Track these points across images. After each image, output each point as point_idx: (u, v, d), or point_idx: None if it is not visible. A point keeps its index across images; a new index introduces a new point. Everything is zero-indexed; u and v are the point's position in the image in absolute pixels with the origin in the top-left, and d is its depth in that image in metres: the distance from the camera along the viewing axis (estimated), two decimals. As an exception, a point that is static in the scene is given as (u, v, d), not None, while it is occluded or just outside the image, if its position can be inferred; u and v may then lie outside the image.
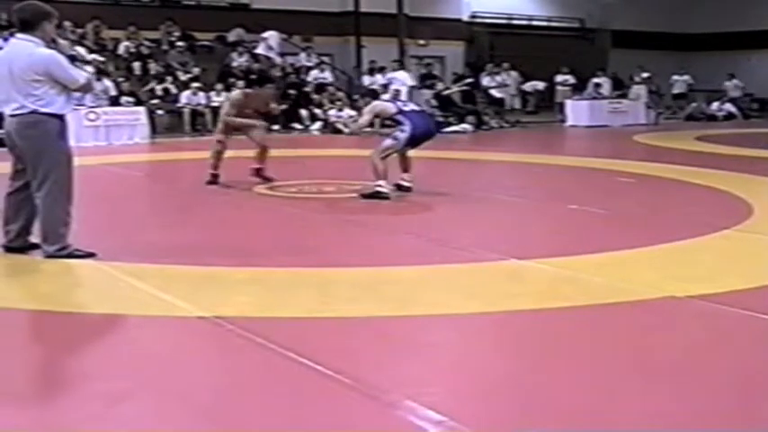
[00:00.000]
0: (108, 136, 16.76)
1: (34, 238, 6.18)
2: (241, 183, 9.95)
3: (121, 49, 20.68)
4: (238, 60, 21.39)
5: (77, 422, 3.46)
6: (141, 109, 17.69)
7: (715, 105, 26.31)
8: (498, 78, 23.34)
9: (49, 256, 5.95)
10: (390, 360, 4.24)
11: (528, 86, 25.70)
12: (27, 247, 6.19)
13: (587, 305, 5.07)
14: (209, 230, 7.95)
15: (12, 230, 6.18)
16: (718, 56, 30.06)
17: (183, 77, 19.94)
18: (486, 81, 23.21)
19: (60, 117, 5.94)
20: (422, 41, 25.55)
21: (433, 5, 26.32)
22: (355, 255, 6.73)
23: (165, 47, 21.41)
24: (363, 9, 24.85)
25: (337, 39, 25.08)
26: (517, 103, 24.76)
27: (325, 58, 23.00)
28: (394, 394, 3.65)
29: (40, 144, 5.88)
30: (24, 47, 5.86)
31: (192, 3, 23.99)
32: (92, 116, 16.64)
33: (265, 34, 22.32)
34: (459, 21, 27.94)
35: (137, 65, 20.16)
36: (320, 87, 21.40)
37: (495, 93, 22.95)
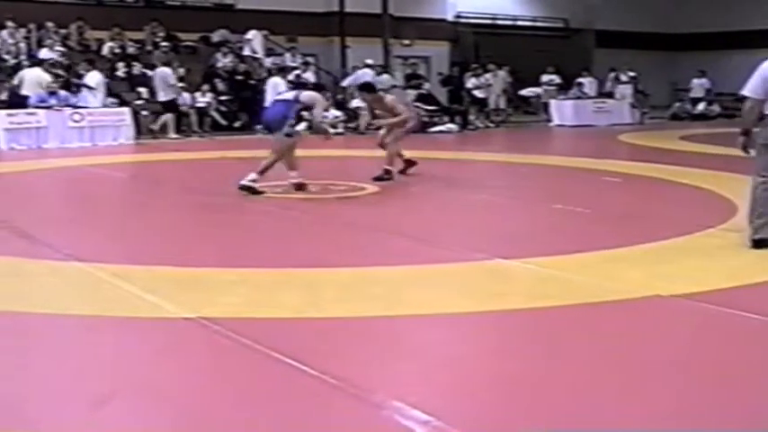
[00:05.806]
0: (93, 137, 16.68)
1: None
2: (226, 184, 9.91)
3: (105, 50, 20.59)
4: (223, 61, 21.33)
5: (62, 424, 3.44)
6: (126, 110, 17.62)
7: (701, 105, 26.33)
8: (482, 79, 23.36)
9: None
10: (377, 360, 4.23)
11: (526, 92, 25.75)
12: None
13: (572, 304, 5.08)
14: (195, 231, 7.93)
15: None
16: (702, 55, 30.14)
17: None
18: (470, 81, 23.22)
19: None
20: (406, 41, 25.53)
21: (417, 6, 26.27)
22: (342, 255, 6.73)
23: (149, 47, 21.33)
24: (348, 9, 24.82)
25: (322, 39, 25.04)
26: (502, 103, 24.77)
27: (310, 59, 22.95)
28: (380, 394, 3.65)
29: None
30: None
31: (177, 3, 23.90)
32: (76, 117, 16.57)
33: (249, 35, 22.27)
34: (443, 21, 27.93)
35: (120, 65, 20.07)
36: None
37: (477, 93, 22.98)
